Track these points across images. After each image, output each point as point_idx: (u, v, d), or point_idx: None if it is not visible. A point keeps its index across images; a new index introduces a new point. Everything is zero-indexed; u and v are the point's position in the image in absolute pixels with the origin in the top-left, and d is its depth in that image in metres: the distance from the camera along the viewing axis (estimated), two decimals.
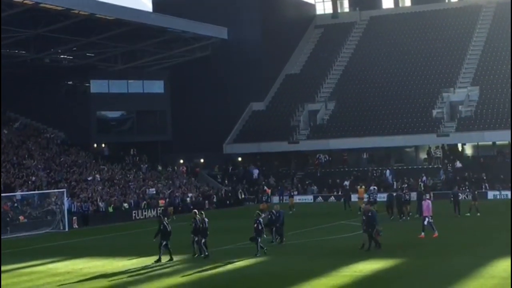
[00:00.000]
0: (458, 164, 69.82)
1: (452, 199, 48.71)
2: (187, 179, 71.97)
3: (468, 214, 47.53)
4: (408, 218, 46.90)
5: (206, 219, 32.97)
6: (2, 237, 45.05)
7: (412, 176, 69.01)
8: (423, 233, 36.47)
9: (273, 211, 36.93)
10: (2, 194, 52.23)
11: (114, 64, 74.16)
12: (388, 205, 48.56)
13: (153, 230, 34.54)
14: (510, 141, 67.04)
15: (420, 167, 72.16)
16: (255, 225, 32.58)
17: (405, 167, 72.72)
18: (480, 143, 71.64)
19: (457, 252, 31.54)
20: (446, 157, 71.86)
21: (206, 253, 32.37)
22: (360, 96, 79.49)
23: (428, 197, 46.26)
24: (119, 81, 73.10)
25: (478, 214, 46.97)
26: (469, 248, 32.81)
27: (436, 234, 36.35)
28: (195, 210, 35.13)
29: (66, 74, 73.59)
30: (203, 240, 32.54)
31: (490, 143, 70.71)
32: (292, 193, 62.96)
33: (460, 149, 73.39)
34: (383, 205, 48.90)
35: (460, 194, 49.39)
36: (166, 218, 33.82)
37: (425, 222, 36.81)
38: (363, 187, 56.47)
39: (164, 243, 32.03)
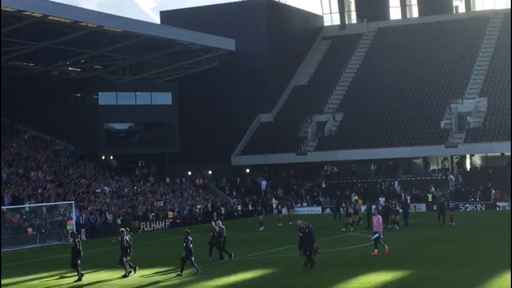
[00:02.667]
0: (451, 177, 69.41)
1: (438, 209, 51.71)
2: (196, 190, 71.93)
3: (450, 223, 49.71)
4: (397, 226, 48.88)
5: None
6: (10, 249, 45.18)
7: (420, 187, 68.86)
8: (376, 250, 34.76)
9: (215, 227, 35.50)
10: (10, 206, 52.37)
11: (122, 76, 74.32)
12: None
13: (162, 243, 34.51)
14: (510, 152, 66.87)
15: (428, 178, 71.97)
16: (185, 244, 31.22)
17: (413, 178, 72.54)
18: (488, 154, 71.43)
19: (464, 264, 31.36)
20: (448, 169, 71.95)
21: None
22: (368, 107, 79.43)
23: (395, 205, 50.95)
24: (127, 93, 73.22)
25: (453, 224, 49.37)
26: (476, 260, 32.62)
27: (376, 252, 34.62)
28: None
29: (74, 86, 73.78)
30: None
31: (499, 154, 70.48)
32: (292, 204, 62.76)
33: (468, 160, 73.15)
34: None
35: (445, 204, 51.40)
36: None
37: (375, 237, 34.99)
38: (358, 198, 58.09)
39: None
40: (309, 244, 31.09)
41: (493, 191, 65.40)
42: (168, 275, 31.76)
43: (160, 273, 32.18)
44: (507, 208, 62.60)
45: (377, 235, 35.12)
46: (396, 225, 49.28)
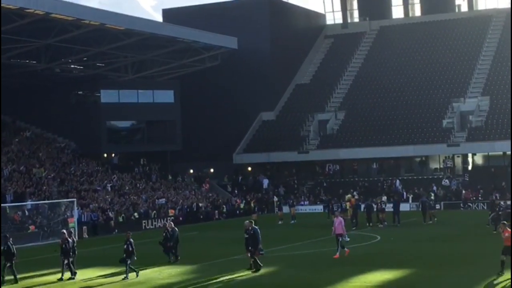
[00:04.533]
0: (445, 181, 69.41)
1: (420, 207, 53.46)
2: (198, 188, 72.02)
3: (432, 221, 51.19)
4: (382, 225, 50.04)
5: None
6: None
7: (422, 186, 68.88)
8: (337, 253, 34.09)
9: (168, 228, 35.41)
10: (12, 204, 52.42)
11: (124, 74, 74.32)
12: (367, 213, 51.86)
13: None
14: (510, 151, 66.87)
15: (430, 177, 72.00)
16: (125, 246, 30.96)
17: (415, 177, 72.56)
18: (490, 153, 71.41)
19: (466, 263, 31.40)
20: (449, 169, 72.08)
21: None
22: (370, 106, 79.42)
23: (380, 204, 51.75)
24: (129, 91, 73.25)
25: (431, 222, 50.84)
26: (477, 259, 32.63)
27: (338, 255, 33.90)
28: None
29: (76, 84, 73.77)
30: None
31: (501, 153, 70.43)
32: (293, 203, 62.83)
33: (470, 159, 73.14)
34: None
35: (427, 203, 53.07)
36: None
37: (340, 241, 34.38)
38: (355, 196, 58.99)
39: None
40: (253, 245, 30.63)
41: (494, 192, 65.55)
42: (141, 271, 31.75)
43: (115, 274, 31.98)
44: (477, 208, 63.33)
45: (340, 238, 34.28)
46: (380, 224, 50.26)
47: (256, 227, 31.49)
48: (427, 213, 51.84)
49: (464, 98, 76.59)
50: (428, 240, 41.37)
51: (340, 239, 34.39)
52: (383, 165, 75.25)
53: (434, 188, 67.91)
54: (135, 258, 31.34)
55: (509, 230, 27.76)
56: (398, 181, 71.08)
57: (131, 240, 31.15)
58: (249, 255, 30.81)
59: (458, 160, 73.12)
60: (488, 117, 73.16)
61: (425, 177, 72.39)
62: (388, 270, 29.72)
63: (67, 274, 31.31)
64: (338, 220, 35.08)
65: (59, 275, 31.50)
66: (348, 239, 34.94)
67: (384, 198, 60.94)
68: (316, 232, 48.14)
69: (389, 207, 53.50)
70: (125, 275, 30.54)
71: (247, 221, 32.25)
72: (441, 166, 73.15)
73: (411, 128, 74.43)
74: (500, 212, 43.39)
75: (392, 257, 34.00)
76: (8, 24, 54.21)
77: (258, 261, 30.86)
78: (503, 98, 74.48)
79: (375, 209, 51.58)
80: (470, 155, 72.69)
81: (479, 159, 73.29)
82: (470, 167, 72.58)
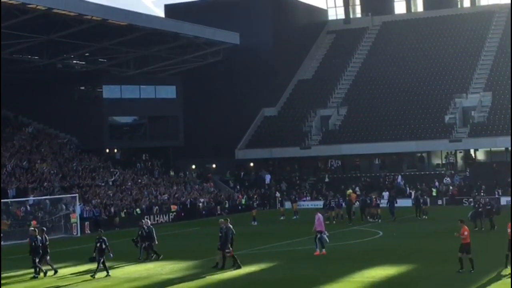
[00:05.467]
0: (447, 179, 69.28)
1: (413, 203, 54.62)
2: (200, 184, 72.04)
3: (425, 217, 52.03)
4: (379, 220, 50.72)
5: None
6: (14, 242, 45.27)
7: (424, 181, 68.88)
8: (323, 250, 33.85)
9: (144, 226, 34.86)
10: (14, 199, 52.46)
11: (127, 69, 74.31)
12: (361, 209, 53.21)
13: (164, 236, 34.51)
14: (510, 147, 66.82)
15: (432, 172, 71.98)
16: (98, 244, 30.27)
17: (417, 173, 72.53)
18: (493, 149, 71.35)
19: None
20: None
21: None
22: (372, 101, 79.36)
23: (376, 199, 52.51)
24: (131, 87, 73.17)
25: (425, 217, 51.77)
26: (479, 254, 32.58)
27: (318, 252, 33.63)
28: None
29: (78, 79, 73.77)
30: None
31: (503, 148, 70.35)
32: (296, 198, 62.84)
33: (473, 155, 73.08)
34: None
35: (421, 198, 54.36)
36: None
37: (319, 238, 34.01)
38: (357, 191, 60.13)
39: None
40: (223, 243, 30.44)
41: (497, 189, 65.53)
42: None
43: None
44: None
45: (319, 235, 33.91)
46: (377, 220, 50.99)
47: (230, 226, 31.07)
48: (420, 208, 52.78)
49: (467, 94, 76.55)
50: (430, 235, 41.36)
51: (319, 236, 33.96)
52: (385, 161, 75.21)
53: (436, 184, 67.88)
54: (112, 255, 30.78)
55: (467, 228, 27.75)
56: (400, 176, 71.07)
57: (104, 238, 30.49)
58: (226, 253, 30.59)
59: (460, 156, 73.05)
60: (490, 112, 73.09)
61: (427, 172, 72.37)
62: (390, 265, 29.71)
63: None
64: (317, 216, 34.70)
65: (63, 271, 31.50)
66: (328, 240, 34.44)
67: (386, 193, 61.32)
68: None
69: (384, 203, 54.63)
70: (94, 274, 29.91)
71: (222, 219, 32.18)
72: (443, 162, 73.12)
73: (413, 124, 74.37)
74: (480, 209, 43.05)
75: (394, 252, 33.99)
76: (10, 19, 54.19)
77: (225, 260, 30.55)
78: (506, 93, 74.37)
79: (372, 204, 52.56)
80: (472, 150, 72.62)
81: (481, 155, 73.23)
82: (471, 163, 72.45)
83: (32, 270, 30.97)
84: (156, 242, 34.82)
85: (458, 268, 27.09)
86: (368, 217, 51.97)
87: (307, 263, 31.92)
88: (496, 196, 63.46)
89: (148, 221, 36.43)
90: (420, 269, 28.82)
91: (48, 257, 31.39)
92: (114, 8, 62.31)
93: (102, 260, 30.14)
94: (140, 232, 35.03)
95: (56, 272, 31.25)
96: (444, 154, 72.91)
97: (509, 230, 27.52)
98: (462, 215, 50.39)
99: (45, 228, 34.02)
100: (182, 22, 69.92)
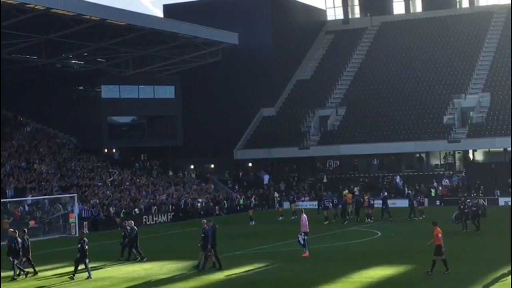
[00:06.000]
0: (446, 181, 69.25)
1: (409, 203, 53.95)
2: (198, 184, 72.03)
3: (422, 217, 51.50)
4: (372, 220, 50.95)
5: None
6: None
7: (423, 182, 68.90)
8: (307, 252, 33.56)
9: (127, 227, 34.75)
10: (12, 199, 52.42)
11: (125, 69, 74.28)
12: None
13: (162, 236, 34.51)
14: (510, 147, 66.84)
15: (431, 173, 72.01)
16: (79, 245, 29.89)
17: (415, 173, 72.55)
18: (491, 149, 71.39)
19: (466, 258, 31.42)
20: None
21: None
22: (370, 101, 79.37)
23: (369, 199, 52.63)
24: (130, 87, 73.20)
25: (421, 217, 51.31)
26: (478, 254, 32.64)
27: (307, 253, 33.34)
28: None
29: (77, 79, 73.74)
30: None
31: (502, 149, 70.39)
32: (294, 199, 62.85)
33: (471, 155, 73.10)
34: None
35: (414, 199, 54.55)
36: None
37: (300, 239, 33.73)
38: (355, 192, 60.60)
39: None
40: (204, 244, 30.34)
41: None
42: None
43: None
44: (510, 203, 62.62)
45: (301, 236, 33.67)
46: (370, 220, 51.16)
47: (211, 226, 30.94)
48: (413, 209, 52.75)
49: (465, 94, 76.56)
50: (428, 235, 41.22)
51: (306, 238, 33.76)
52: (384, 161, 75.25)
53: (435, 184, 67.90)
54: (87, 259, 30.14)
55: (439, 230, 27.59)
56: (398, 177, 71.08)
57: (85, 239, 30.25)
58: (208, 254, 30.50)
59: (459, 157, 73.08)
60: (489, 113, 73.11)
61: (425, 173, 72.39)
62: (389, 265, 29.73)
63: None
64: (303, 217, 34.54)
65: (60, 270, 31.46)
66: (302, 242, 34.27)
67: (386, 193, 61.20)
68: (317, 228, 48.16)
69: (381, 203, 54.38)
70: (72, 274, 29.63)
71: (204, 220, 32.00)
72: (442, 162, 73.16)
73: (411, 124, 74.38)
74: (465, 211, 42.63)
75: (393, 252, 34.00)
76: (8, 19, 54.14)
77: (206, 261, 30.46)
78: (504, 94, 74.41)
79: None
80: (471, 151, 72.66)
81: (479, 155, 73.26)
82: (468, 164, 72.48)
83: (12, 273, 30.51)
84: (139, 243, 34.71)
85: (428, 270, 27.14)
86: (369, 218, 51.73)
87: (306, 263, 31.91)
88: (496, 196, 63.71)
89: (132, 222, 36.15)
90: (419, 269, 28.81)
91: (25, 259, 30.96)
92: (113, 8, 62.26)
93: (86, 262, 29.74)
94: (123, 233, 35.02)
95: (35, 273, 30.96)
96: (442, 154, 72.94)
97: (440, 235, 27.45)
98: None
99: (26, 229, 33.48)
100: (181, 22, 69.88)
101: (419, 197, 57.32)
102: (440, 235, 27.48)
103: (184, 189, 68.72)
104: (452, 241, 37.90)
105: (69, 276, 29.97)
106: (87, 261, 29.89)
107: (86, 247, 29.88)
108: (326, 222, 51.10)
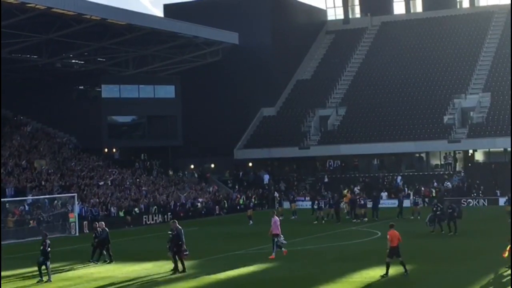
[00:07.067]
0: (447, 184, 69.10)
1: (410, 204, 55.11)
2: (199, 183, 72.02)
3: (412, 217, 51.90)
4: (366, 219, 51.67)
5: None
6: (13, 242, 45.24)
7: (423, 182, 68.90)
8: (284, 249, 33.68)
9: (98, 229, 34.66)
10: (13, 198, 52.42)
11: (125, 69, 74.33)
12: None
13: (163, 235, 34.46)
14: (510, 148, 66.86)
15: (431, 173, 72.02)
16: (42, 247, 29.22)
17: (416, 173, 72.56)
18: (491, 150, 71.40)
19: (465, 259, 31.41)
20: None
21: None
22: (371, 101, 79.36)
23: (360, 199, 53.86)
24: (130, 86, 73.26)
25: (419, 217, 50.88)
26: (477, 255, 32.64)
27: (273, 255, 33.12)
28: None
29: (77, 78, 73.80)
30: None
31: (502, 149, 70.40)
32: (294, 199, 62.87)
33: (470, 155, 73.12)
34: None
35: (404, 199, 56.33)
36: None
37: (283, 240, 33.76)
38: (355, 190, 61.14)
39: None
40: (176, 246, 30.02)
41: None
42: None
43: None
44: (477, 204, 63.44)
45: (276, 239, 33.48)
46: (363, 219, 51.68)
47: (180, 228, 30.69)
48: (402, 209, 53.35)
49: (465, 95, 76.56)
50: (428, 235, 41.32)
51: (276, 240, 33.60)
52: (384, 161, 75.28)
53: (435, 184, 67.88)
54: (41, 259, 29.29)
55: (395, 231, 27.46)
56: (399, 177, 71.08)
57: (48, 241, 29.62)
58: (170, 255, 30.26)
59: (459, 156, 73.10)
60: (489, 113, 73.11)
61: (426, 173, 72.40)
62: None
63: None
64: (274, 219, 34.23)
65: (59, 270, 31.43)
66: (285, 241, 34.06)
67: (384, 193, 61.72)
68: (317, 227, 48.21)
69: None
70: (39, 278, 29.06)
71: (172, 221, 31.83)
72: (442, 163, 73.18)
73: (412, 124, 74.37)
74: (438, 212, 42.24)
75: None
76: (9, 18, 54.21)
77: (184, 263, 30.20)
78: (504, 94, 74.42)
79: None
80: (471, 151, 72.67)
81: (480, 156, 73.27)
82: (467, 164, 72.48)
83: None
84: (110, 245, 34.62)
85: (383, 273, 27.05)
86: (363, 218, 52.16)
87: (306, 263, 31.93)
88: (495, 196, 63.71)
89: (103, 223, 35.94)
90: (418, 269, 28.80)
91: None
92: (113, 8, 62.34)
93: (47, 264, 29.04)
94: (94, 235, 35.01)
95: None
96: (443, 154, 72.95)
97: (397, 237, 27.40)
98: (463, 216, 50.57)
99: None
100: (181, 22, 69.97)
101: (414, 197, 57.45)
102: (389, 237, 27.18)
103: (184, 188, 68.70)
104: (433, 243, 37.96)
105: (37, 281, 29.12)
106: (48, 263, 29.11)
107: (49, 249, 29.35)
108: (315, 222, 51.71)
